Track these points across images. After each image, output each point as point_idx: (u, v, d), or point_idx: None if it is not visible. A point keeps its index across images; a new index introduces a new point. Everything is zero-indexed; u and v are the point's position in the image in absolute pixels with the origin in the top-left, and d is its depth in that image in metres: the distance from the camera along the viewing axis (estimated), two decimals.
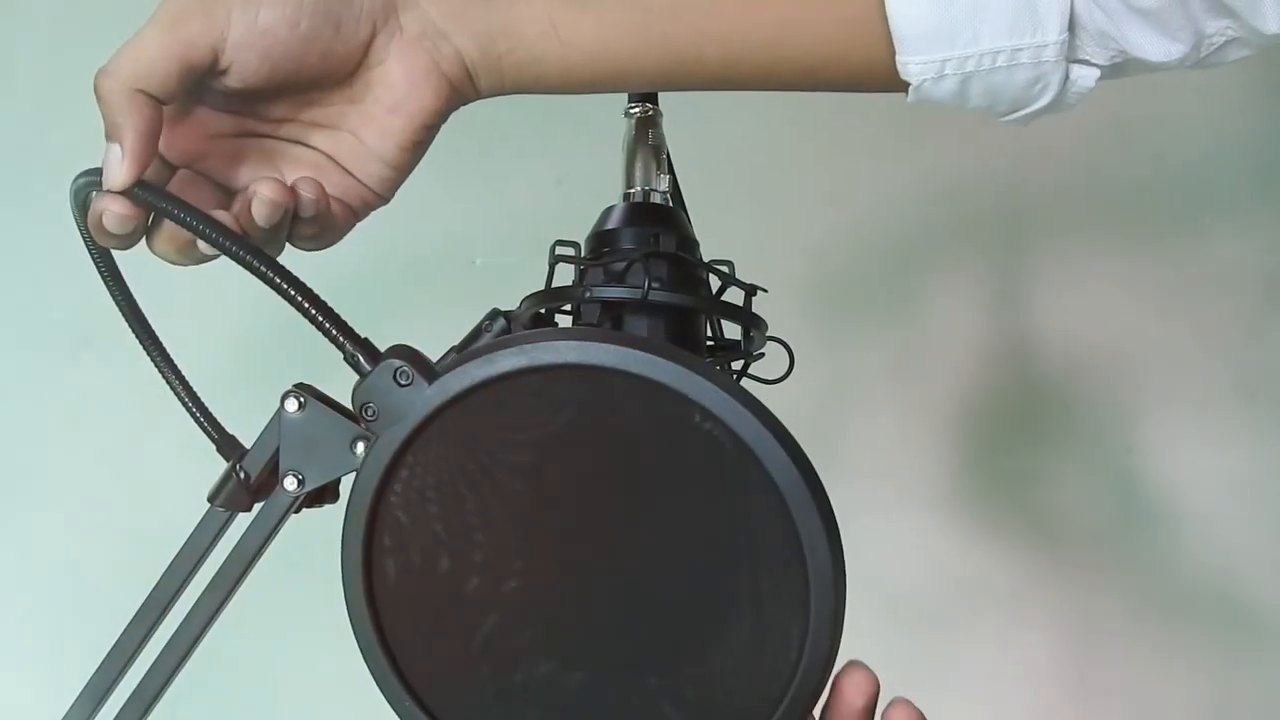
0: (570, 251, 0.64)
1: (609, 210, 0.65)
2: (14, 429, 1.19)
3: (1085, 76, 0.60)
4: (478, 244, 1.22)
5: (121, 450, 1.18)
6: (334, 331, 0.52)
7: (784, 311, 0.68)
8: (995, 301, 1.24)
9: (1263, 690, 1.23)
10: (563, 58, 0.58)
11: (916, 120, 1.00)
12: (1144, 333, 1.24)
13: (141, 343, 0.59)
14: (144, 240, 0.55)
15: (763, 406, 0.50)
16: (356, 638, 0.53)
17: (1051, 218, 1.25)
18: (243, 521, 0.55)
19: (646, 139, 0.67)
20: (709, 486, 0.50)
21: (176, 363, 0.59)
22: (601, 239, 0.64)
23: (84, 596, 1.17)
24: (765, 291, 0.66)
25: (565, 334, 0.53)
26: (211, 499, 0.55)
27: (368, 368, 0.51)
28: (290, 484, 0.53)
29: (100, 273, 0.58)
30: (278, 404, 0.53)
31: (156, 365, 0.59)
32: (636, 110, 0.68)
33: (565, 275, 0.64)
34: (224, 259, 0.54)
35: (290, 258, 0.56)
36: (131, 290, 0.59)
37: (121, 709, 0.55)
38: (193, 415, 0.59)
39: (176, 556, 0.55)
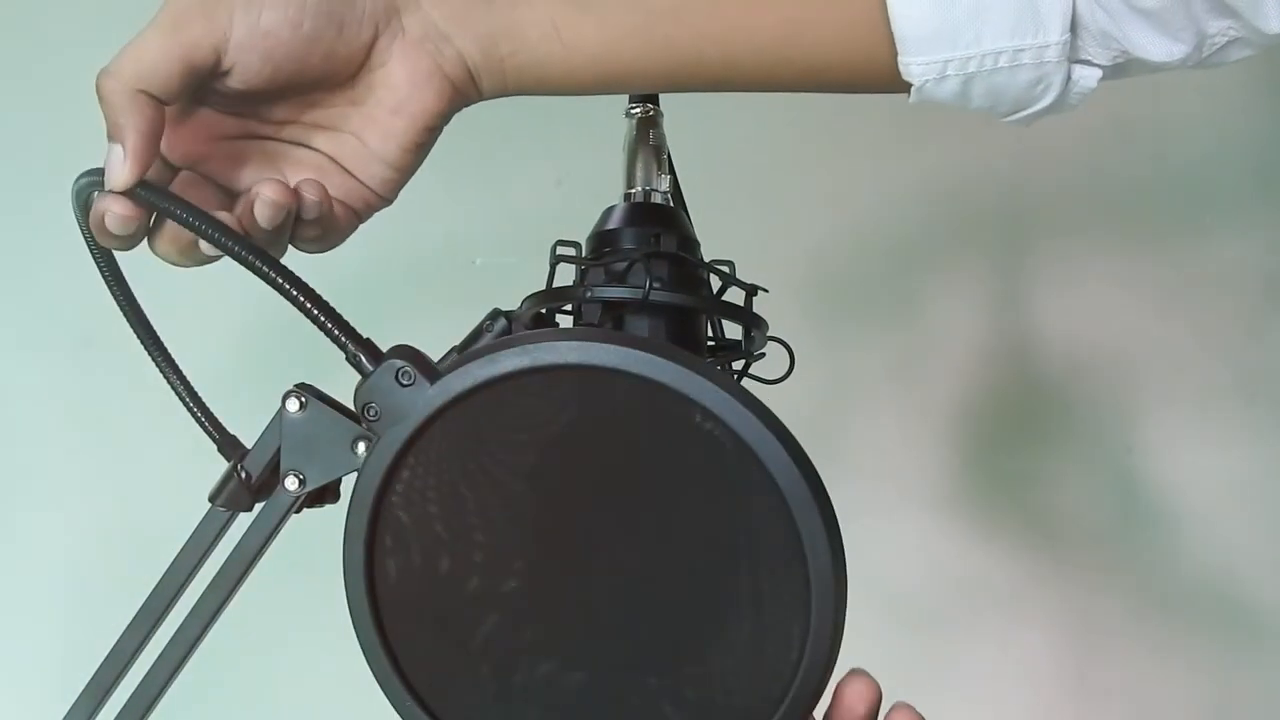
0: (571, 251, 0.64)
1: (610, 210, 0.65)
2: (14, 429, 1.19)
3: (1087, 77, 0.60)
4: (478, 244, 1.22)
5: (121, 450, 1.18)
6: (336, 331, 0.52)
7: (784, 312, 0.68)
8: (996, 302, 1.24)
9: (1263, 690, 1.23)
10: (565, 60, 0.58)
11: (917, 121, 1.00)
12: (1144, 333, 1.24)
13: (143, 343, 0.59)
14: (146, 241, 0.55)
15: (764, 407, 0.50)
16: (358, 638, 0.53)
17: (1052, 218, 1.25)
18: (244, 522, 0.55)
19: (647, 139, 0.67)
20: (710, 486, 0.50)
21: (178, 363, 0.59)
22: (602, 239, 0.64)
23: (84, 596, 1.17)
24: (766, 291, 0.66)
25: (566, 334, 0.53)
26: (212, 499, 0.55)
27: (370, 368, 0.51)
28: (291, 484, 0.53)
29: (102, 273, 0.58)
30: (279, 404, 0.53)
31: (158, 365, 0.59)
32: (637, 111, 0.68)
33: (566, 275, 0.64)
34: (225, 260, 0.54)
35: (291, 259, 0.56)
36: (133, 290, 0.59)
37: (122, 709, 0.55)
38: (194, 415, 0.59)
39: (177, 556, 0.55)
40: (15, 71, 1.18)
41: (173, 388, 0.59)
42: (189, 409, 0.59)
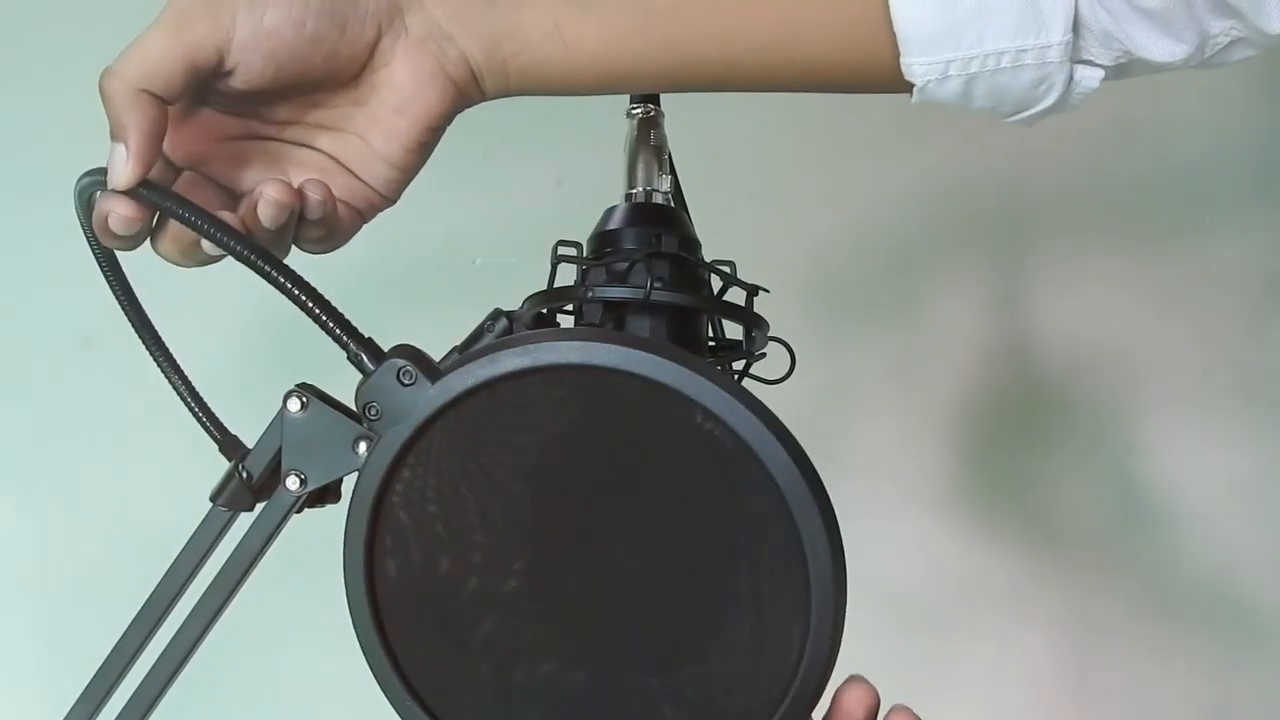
0: (572, 252, 0.64)
1: (611, 210, 0.65)
2: (14, 429, 1.19)
3: (1090, 77, 0.60)
4: (478, 244, 1.22)
5: (122, 450, 1.18)
6: (338, 331, 0.52)
7: (785, 312, 0.68)
8: (996, 302, 1.24)
9: (1263, 690, 1.23)
10: (567, 60, 0.58)
11: (918, 121, 1.00)
12: (1144, 333, 1.24)
13: (144, 342, 0.59)
14: (148, 241, 0.55)
15: (764, 407, 0.50)
16: (358, 638, 0.53)
17: (1052, 218, 1.25)
18: (245, 521, 0.55)
19: (648, 140, 0.67)
20: (710, 487, 0.50)
21: (179, 362, 0.59)
22: (604, 239, 0.64)
23: (85, 597, 1.17)
24: (767, 292, 0.66)
25: (568, 334, 0.53)
26: (214, 499, 0.55)
27: (371, 367, 0.51)
28: (292, 484, 0.53)
29: (104, 272, 0.58)
30: (280, 404, 0.53)
31: (159, 365, 0.59)
32: (638, 111, 0.68)
33: (567, 275, 0.64)
34: (227, 260, 0.54)
35: (291, 259, 0.56)
36: (134, 290, 0.59)
37: (123, 710, 0.55)
38: (195, 415, 0.59)
39: (179, 556, 0.55)
40: (15, 71, 1.18)
41: (174, 387, 0.59)
42: (190, 409, 0.59)
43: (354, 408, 0.52)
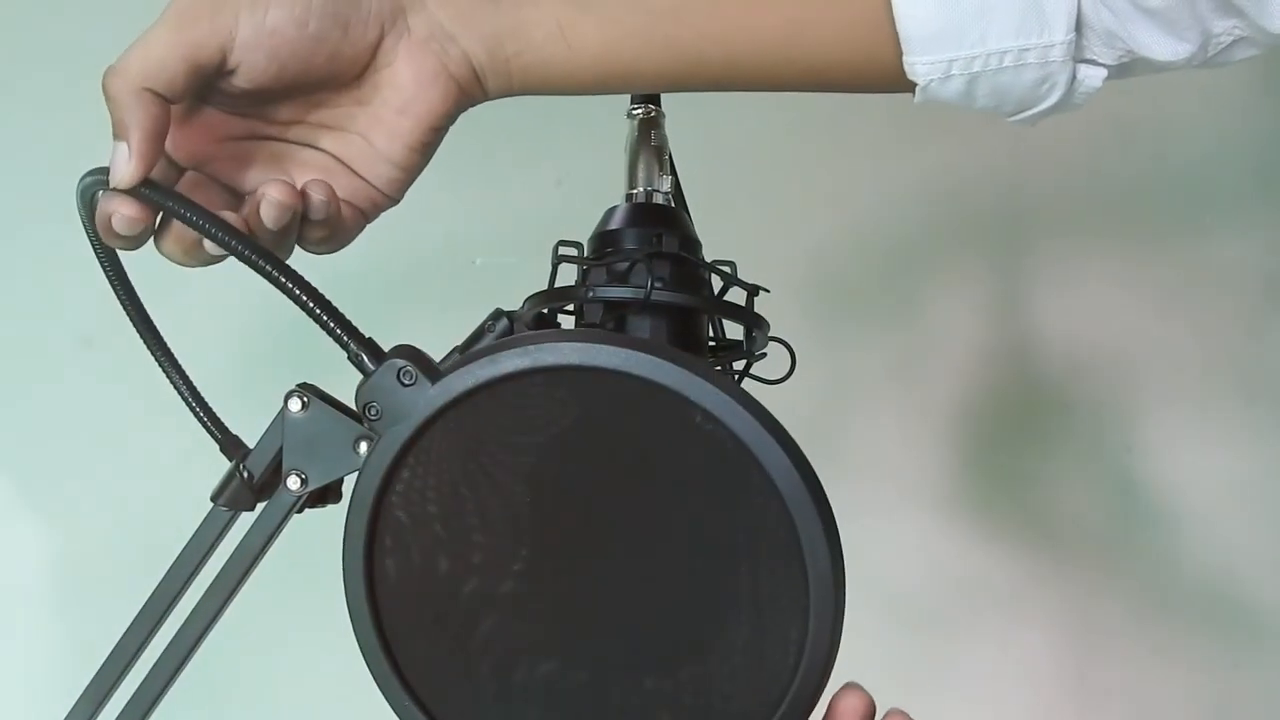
0: (573, 252, 0.64)
1: (611, 211, 0.65)
2: (14, 429, 1.19)
3: (1092, 76, 0.60)
4: (478, 244, 1.22)
5: (122, 450, 1.18)
6: (338, 331, 0.52)
7: (785, 312, 0.68)
8: (996, 302, 1.24)
9: (1263, 690, 1.23)
10: (569, 60, 0.58)
11: (918, 121, 1.00)
12: (1144, 333, 1.24)
13: (146, 342, 0.59)
14: (151, 240, 0.55)
15: (764, 409, 0.50)
16: (357, 638, 0.53)
17: (1052, 218, 1.25)
18: (245, 521, 0.55)
19: (649, 140, 0.67)
20: (710, 488, 0.50)
21: (180, 362, 0.59)
22: (604, 239, 0.64)
23: (85, 597, 1.17)
24: (767, 292, 0.66)
25: (568, 335, 0.53)
26: (214, 498, 0.55)
27: (371, 367, 0.52)
28: (293, 483, 0.53)
29: (105, 272, 0.58)
30: (281, 404, 0.53)
31: (160, 365, 0.59)
32: (639, 112, 0.68)
33: (568, 275, 0.64)
34: (228, 260, 0.54)
35: (292, 259, 0.56)
36: (136, 290, 0.59)
37: (123, 709, 0.55)
38: (196, 415, 0.59)
39: (179, 556, 0.55)
40: (16, 72, 1.18)
41: (175, 387, 0.59)
42: (191, 408, 0.59)
43: (355, 408, 0.52)
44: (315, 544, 0.57)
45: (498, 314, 0.55)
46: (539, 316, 0.62)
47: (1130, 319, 1.24)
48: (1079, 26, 0.58)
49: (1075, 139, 1.21)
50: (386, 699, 0.53)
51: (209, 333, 1.04)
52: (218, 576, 0.54)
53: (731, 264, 0.65)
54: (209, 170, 0.57)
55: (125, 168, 0.52)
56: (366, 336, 0.53)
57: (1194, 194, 1.25)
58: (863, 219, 1.24)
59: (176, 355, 0.59)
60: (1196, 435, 1.23)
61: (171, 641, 0.54)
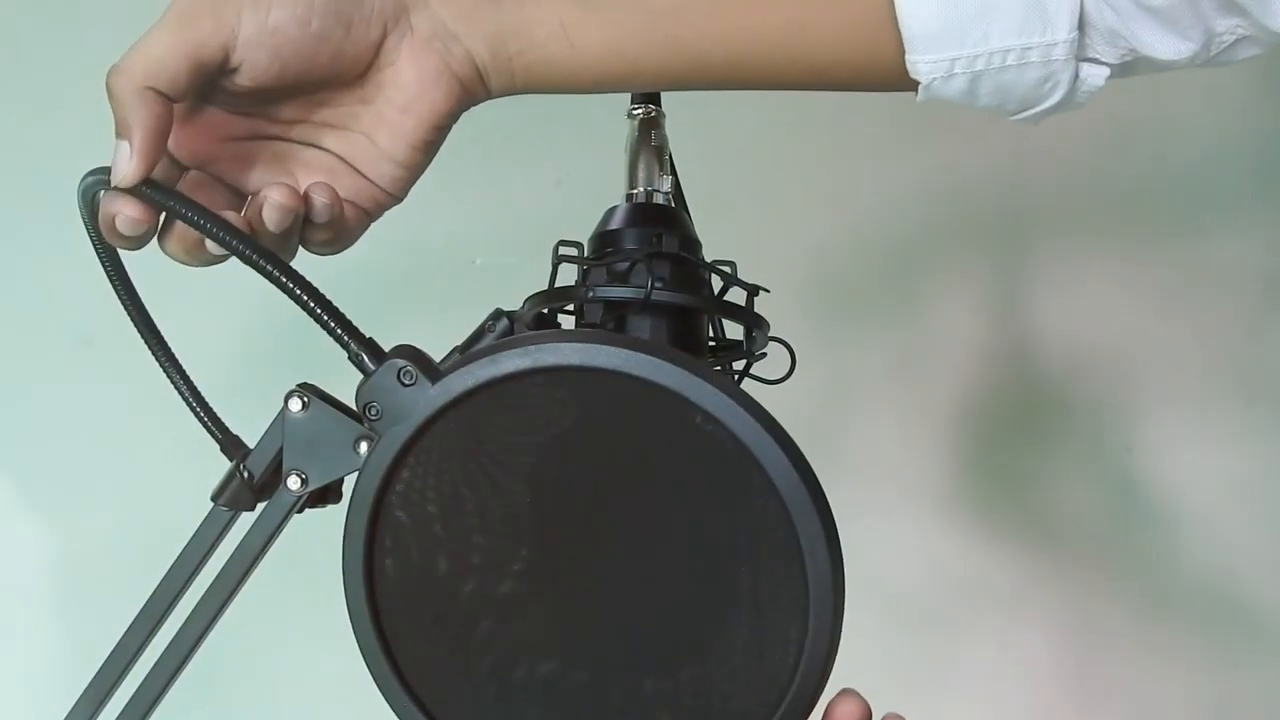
0: (573, 252, 0.64)
1: (612, 211, 0.65)
2: (14, 429, 1.19)
3: (1095, 75, 0.60)
4: (478, 244, 1.22)
5: (122, 450, 1.18)
6: (339, 330, 0.52)
7: (785, 312, 0.68)
8: (996, 302, 1.24)
9: (1263, 690, 1.23)
10: (572, 59, 0.58)
11: (918, 121, 1.00)
12: (1144, 333, 1.24)
13: (146, 342, 0.59)
14: (154, 240, 0.55)
15: (764, 410, 0.50)
16: (357, 639, 0.53)
17: (1052, 218, 1.25)
18: (246, 521, 0.55)
19: (649, 140, 0.67)
20: (710, 489, 0.50)
21: (181, 362, 0.59)
22: (604, 239, 0.64)
23: (86, 597, 1.17)
24: (767, 292, 0.66)
25: (568, 335, 0.53)
26: (215, 498, 0.55)
27: (372, 367, 0.52)
28: (294, 483, 0.53)
29: (106, 272, 0.58)
30: (281, 404, 0.53)
31: (161, 364, 0.59)
32: (639, 112, 0.68)
33: (568, 275, 0.64)
34: (229, 260, 0.54)
35: (293, 259, 0.56)
36: (137, 290, 0.59)
37: (124, 709, 0.55)
38: (196, 414, 0.59)
39: (180, 556, 0.55)
40: (16, 72, 1.18)
41: (175, 387, 0.59)
42: (191, 408, 0.59)
43: (355, 408, 0.52)
44: (315, 544, 0.57)
45: (498, 314, 0.55)
46: (539, 316, 0.62)
47: (1130, 319, 1.24)
48: (1081, 25, 0.58)
49: (1075, 139, 1.21)
50: (386, 699, 0.53)
51: (209, 333, 1.03)
52: (218, 576, 0.54)
53: (731, 264, 0.65)
54: (212, 170, 0.57)
55: (126, 166, 0.52)
56: (367, 336, 0.53)
57: (1194, 194, 1.25)
58: (863, 219, 1.24)
59: (177, 355, 0.59)
60: (1196, 435, 1.23)
61: (171, 641, 0.54)
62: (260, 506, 0.54)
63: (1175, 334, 1.23)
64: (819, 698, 0.51)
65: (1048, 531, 1.24)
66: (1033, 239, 1.24)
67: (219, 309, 1.09)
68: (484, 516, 0.51)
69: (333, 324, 0.52)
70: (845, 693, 0.52)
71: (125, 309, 0.58)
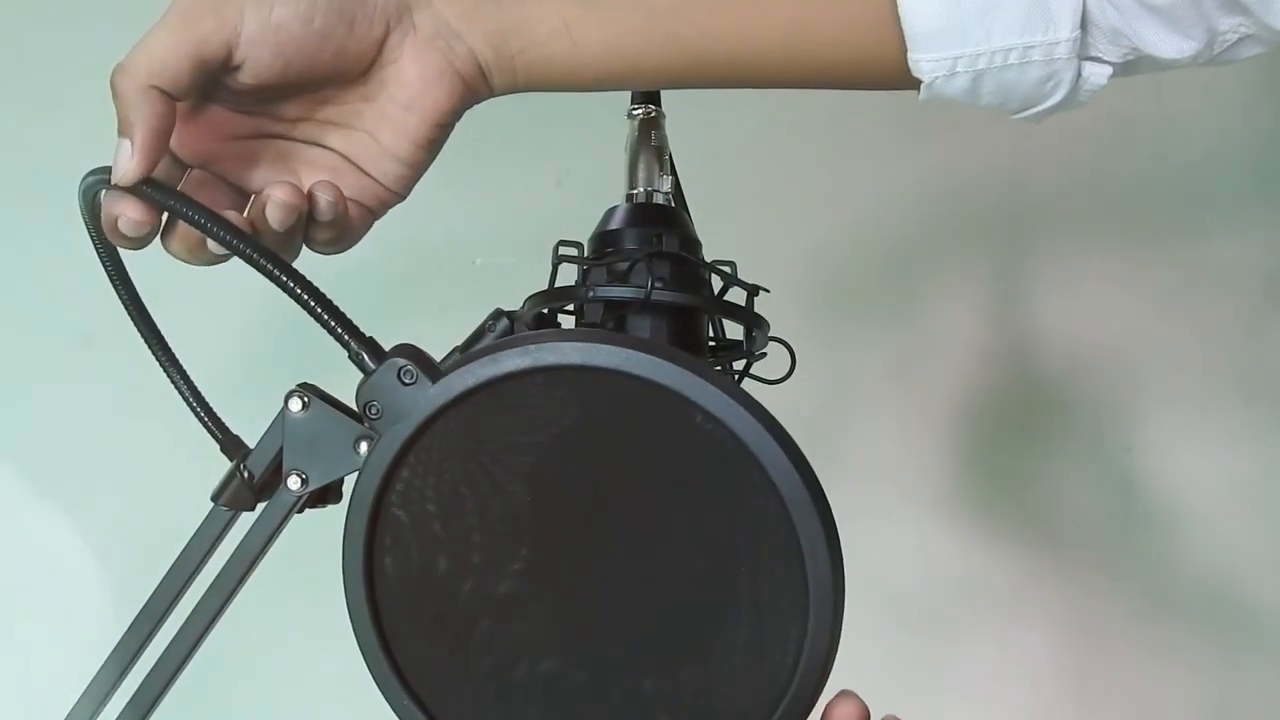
0: (573, 251, 0.64)
1: (612, 211, 0.65)
2: (14, 429, 1.19)
3: (1097, 74, 0.60)
4: (478, 244, 1.22)
5: (122, 450, 1.18)
6: (339, 330, 0.52)
7: (785, 312, 0.68)
8: (996, 302, 1.24)
9: (1263, 690, 1.23)
10: (574, 57, 0.58)
11: (918, 121, 1.00)
12: (1144, 333, 1.24)
13: (147, 342, 0.59)
14: (156, 239, 0.55)
15: (764, 410, 0.50)
16: (357, 638, 0.53)
17: (1052, 218, 1.25)
18: (246, 521, 0.55)
19: (649, 140, 0.67)
20: (710, 489, 0.50)
21: (181, 362, 0.59)
22: (604, 239, 0.64)
23: (86, 597, 1.17)
24: (767, 292, 0.66)
25: (569, 335, 0.53)
26: (215, 498, 0.55)
27: (372, 366, 0.52)
28: (294, 483, 0.53)
29: (106, 271, 0.58)
30: (281, 404, 0.53)
31: (161, 364, 0.59)
32: (639, 112, 0.68)
33: (568, 275, 0.64)
34: (230, 260, 0.54)
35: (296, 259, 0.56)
36: (137, 289, 0.59)
37: (124, 709, 0.55)
38: (196, 414, 0.59)
39: (180, 556, 0.55)
40: (16, 71, 1.18)
41: (176, 387, 0.59)
42: (192, 408, 0.59)
43: (355, 407, 0.52)
44: (315, 544, 0.57)
45: (498, 314, 0.55)
46: (539, 316, 0.62)
47: (1130, 319, 1.24)
48: (1084, 24, 0.58)
49: (1075, 139, 1.21)
50: (386, 699, 0.53)
51: (209, 332, 1.04)
52: (218, 576, 0.54)
53: (731, 264, 0.65)
54: (215, 169, 0.57)
55: (127, 164, 0.52)
56: (368, 335, 0.53)
57: (1194, 194, 1.25)
58: (863, 219, 1.24)
59: (177, 355, 0.59)
60: (1196, 435, 1.23)
61: (171, 641, 0.54)
62: (260, 506, 0.54)
63: (1175, 334, 1.23)
64: (818, 698, 0.51)
65: (1048, 531, 1.24)
66: (1033, 239, 1.24)
67: (219, 309, 1.09)
68: (484, 515, 0.51)
69: (333, 323, 0.52)
70: (843, 694, 0.52)
71: (125, 309, 0.58)
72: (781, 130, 1.19)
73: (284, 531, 0.54)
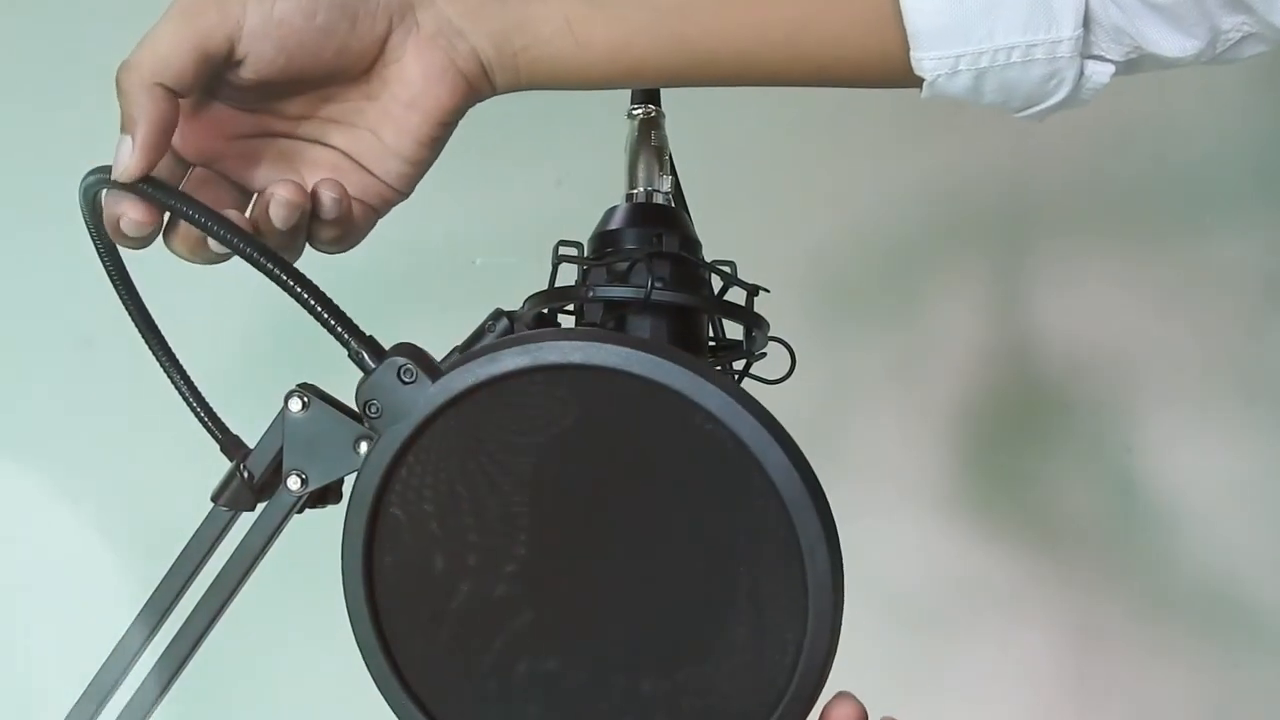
0: (573, 251, 0.65)
1: (612, 211, 0.65)
2: (14, 429, 1.19)
3: (1100, 72, 0.60)
4: (478, 244, 1.22)
5: (122, 450, 1.18)
6: (339, 329, 0.52)
7: (785, 312, 0.68)
8: (996, 302, 1.24)
9: (1263, 690, 1.23)
10: (577, 55, 0.58)
11: (918, 121, 1.00)
12: (1144, 333, 1.24)
13: (147, 342, 0.59)
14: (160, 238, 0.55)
15: (764, 410, 0.50)
16: (356, 638, 0.53)
17: (1052, 218, 1.25)
18: (246, 521, 0.55)
19: (649, 140, 0.67)
20: (710, 489, 0.50)
21: (181, 362, 0.59)
22: (604, 239, 0.64)
23: (86, 597, 1.17)
24: (767, 291, 0.66)
25: (569, 334, 0.53)
26: (215, 498, 0.55)
27: (372, 365, 0.52)
28: (294, 483, 0.53)
29: (107, 271, 0.58)
30: (281, 404, 0.53)
31: (161, 364, 0.59)
32: (639, 112, 0.68)
33: (568, 275, 0.64)
34: (233, 259, 0.54)
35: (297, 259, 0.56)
36: (137, 289, 0.59)
37: (124, 709, 0.55)
38: (196, 414, 0.59)
39: (180, 556, 0.55)
40: (16, 71, 1.18)
41: (176, 387, 0.59)
42: (192, 408, 0.59)
43: (355, 407, 0.52)
44: (315, 544, 0.57)
45: (498, 314, 0.55)
46: (539, 316, 0.62)
47: (1130, 319, 1.23)
48: (1087, 22, 0.58)
49: (1075, 139, 1.21)
50: (386, 698, 0.53)
51: (209, 332, 1.04)
52: (218, 576, 0.54)
53: (731, 264, 0.65)
54: (218, 168, 0.57)
55: (128, 161, 0.52)
56: (367, 334, 0.53)
57: (1194, 194, 1.25)
58: (863, 219, 1.24)
59: (177, 355, 0.59)
60: (1196, 435, 1.23)
61: (171, 641, 0.54)
62: (260, 506, 0.54)
63: (1175, 334, 1.23)
64: (818, 698, 0.51)
65: (1048, 531, 1.24)
66: (1033, 239, 1.24)
67: (219, 309, 1.09)
68: (483, 515, 0.51)
69: (333, 322, 0.52)
70: (841, 695, 0.52)
71: (125, 309, 0.58)
72: (781, 130, 1.19)
73: (284, 531, 0.54)
